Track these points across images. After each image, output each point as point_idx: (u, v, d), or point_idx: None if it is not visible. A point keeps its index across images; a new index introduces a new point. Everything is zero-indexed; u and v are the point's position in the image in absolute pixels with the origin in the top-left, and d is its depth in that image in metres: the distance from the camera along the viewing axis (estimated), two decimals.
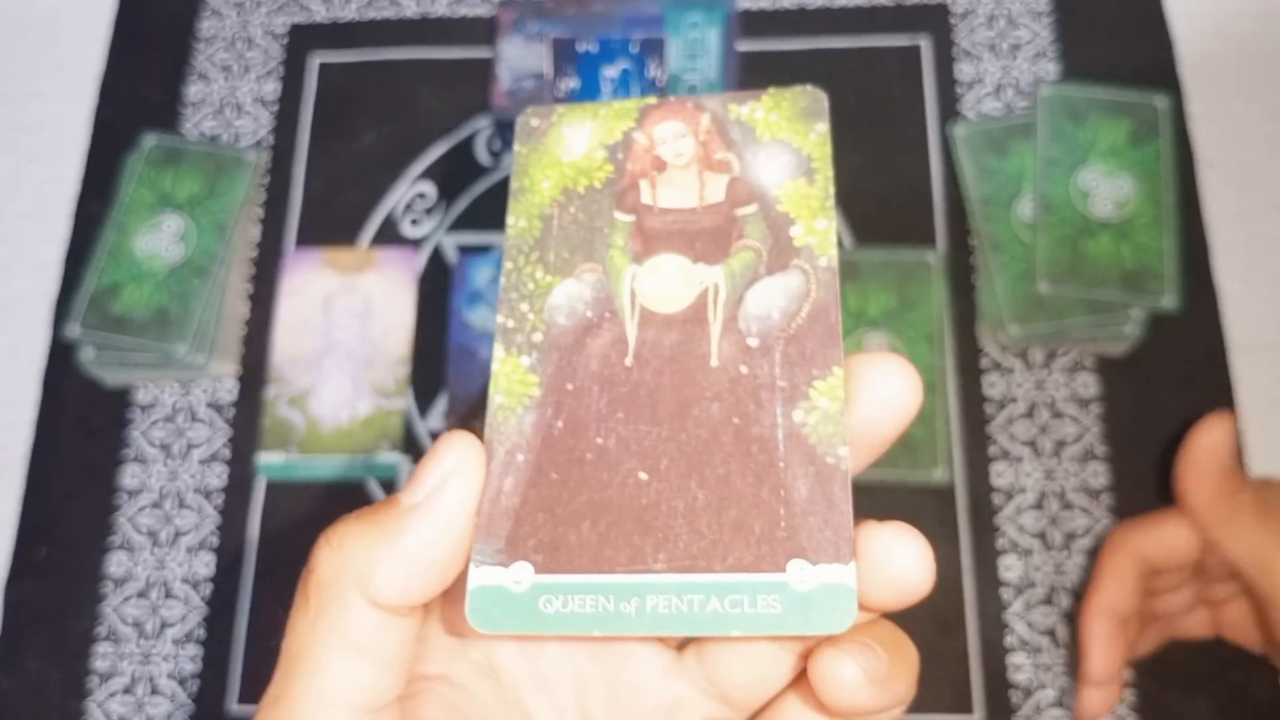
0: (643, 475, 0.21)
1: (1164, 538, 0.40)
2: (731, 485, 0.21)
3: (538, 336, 0.23)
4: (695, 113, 0.25)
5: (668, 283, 0.23)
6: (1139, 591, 0.40)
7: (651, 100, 0.25)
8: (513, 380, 0.22)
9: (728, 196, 0.24)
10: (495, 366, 0.23)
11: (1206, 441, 0.39)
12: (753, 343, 0.22)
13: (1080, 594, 0.44)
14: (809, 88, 0.24)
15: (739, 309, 0.22)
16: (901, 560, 0.19)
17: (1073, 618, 0.45)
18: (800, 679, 0.22)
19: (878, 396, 0.21)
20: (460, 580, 0.21)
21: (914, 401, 0.21)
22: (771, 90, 0.24)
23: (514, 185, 0.25)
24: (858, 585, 0.19)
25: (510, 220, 0.24)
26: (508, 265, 0.24)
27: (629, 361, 0.22)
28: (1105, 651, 0.40)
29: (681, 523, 0.20)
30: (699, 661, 0.23)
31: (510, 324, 0.23)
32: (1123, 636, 0.40)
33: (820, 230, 0.23)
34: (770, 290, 0.22)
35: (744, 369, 0.22)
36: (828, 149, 0.24)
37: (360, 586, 0.20)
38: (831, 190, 0.23)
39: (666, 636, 0.24)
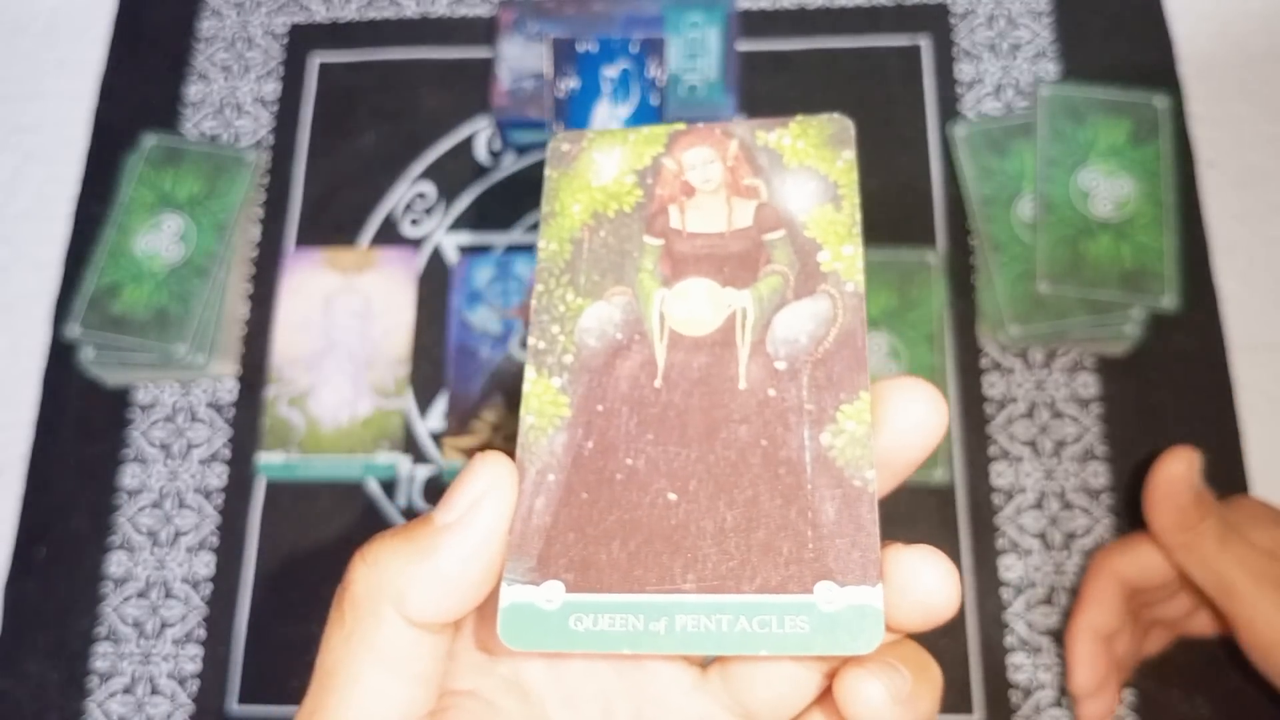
0: (672, 496, 0.21)
1: (1141, 560, 0.42)
2: (760, 507, 0.21)
3: (568, 358, 0.23)
4: (723, 139, 0.25)
5: (696, 306, 0.23)
6: (1121, 610, 0.42)
7: (680, 126, 0.25)
8: (544, 401, 0.23)
9: (755, 222, 0.24)
10: (527, 388, 0.23)
11: (1167, 475, 0.40)
12: (780, 366, 0.22)
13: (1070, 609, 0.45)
14: (836, 115, 0.25)
15: (767, 333, 0.23)
16: (928, 583, 0.20)
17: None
18: (825, 698, 0.22)
19: (904, 421, 0.21)
20: (491, 597, 0.21)
21: (940, 426, 0.21)
22: (799, 117, 0.25)
23: (545, 209, 0.25)
24: (884, 607, 0.20)
25: (541, 243, 0.25)
26: (539, 288, 0.24)
27: (658, 383, 0.23)
28: (1088, 667, 0.42)
29: (710, 543, 0.21)
30: (724, 680, 0.23)
31: (541, 345, 0.23)
32: (1105, 652, 0.42)
33: (847, 256, 0.23)
34: (798, 315, 0.23)
35: (772, 392, 0.22)
36: (854, 176, 0.24)
37: (395, 603, 0.21)
38: (859, 217, 0.24)
39: (692, 655, 0.24)
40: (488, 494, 0.21)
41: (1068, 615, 0.45)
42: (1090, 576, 0.43)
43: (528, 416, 0.23)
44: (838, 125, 0.25)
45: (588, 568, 0.21)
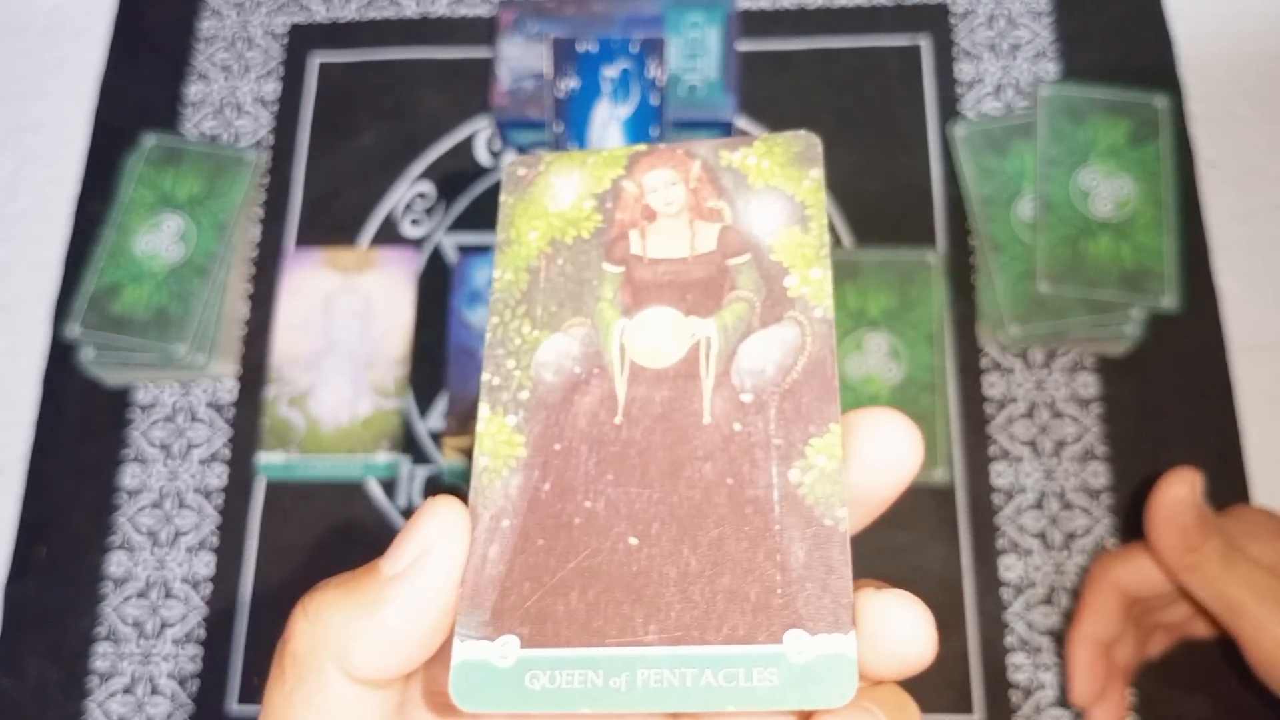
0: (633, 540, 0.20)
1: (1141, 569, 0.41)
2: (725, 550, 0.20)
3: (524, 394, 0.22)
4: (686, 160, 0.24)
5: (658, 336, 0.22)
6: (1120, 619, 0.42)
7: (641, 148, 0.24)
8: (498, 441, 0.22)
9: (719, 246, 0.23)
10: (480, 427, 0.22)
11: (1169, 497, 0.40)
12: (746, 398, 0.21)
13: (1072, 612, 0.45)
14: (803, 132, 0.24)
15: (732, 363, 0.21)
16: (902, 631, 0.19)
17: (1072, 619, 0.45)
18: None
19: (877, 455, 0.20)
20: (445, 645, 0.20)
21: (915, 460, 0.20)
22: (764, 136, 0.24)
23: (500, 237, 0.24)
24: (856, 656, 0.19)
25: (496, 273, 0.23)
26: (493, 320, 0.23)
27: (618, 420, 0.21)
28: (1088, 676, 0.42)
29: (673, 591, 0.20)
30: None
31: (496, 381, 0.22)
32: (1105, 661, 0.42)
33: (815, 280, 0.22)
34: (764, 343, 0.21)
35: (738, 426, 0.21)
36: (822, 195, 0.23)
37: (337, 660, 0.19)
38: (826, 238, 0.22)
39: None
40: (437, 543, 0.20)
41: (1068, 623, 0.45)
42: (1090, 585, 0.43)
43: (481, 458, 0.21)
44: (805, 143, 0.23)
45: (544, 620, 0.20)
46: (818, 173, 0.23)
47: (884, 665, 0.19)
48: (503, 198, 0.24)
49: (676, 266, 0.23)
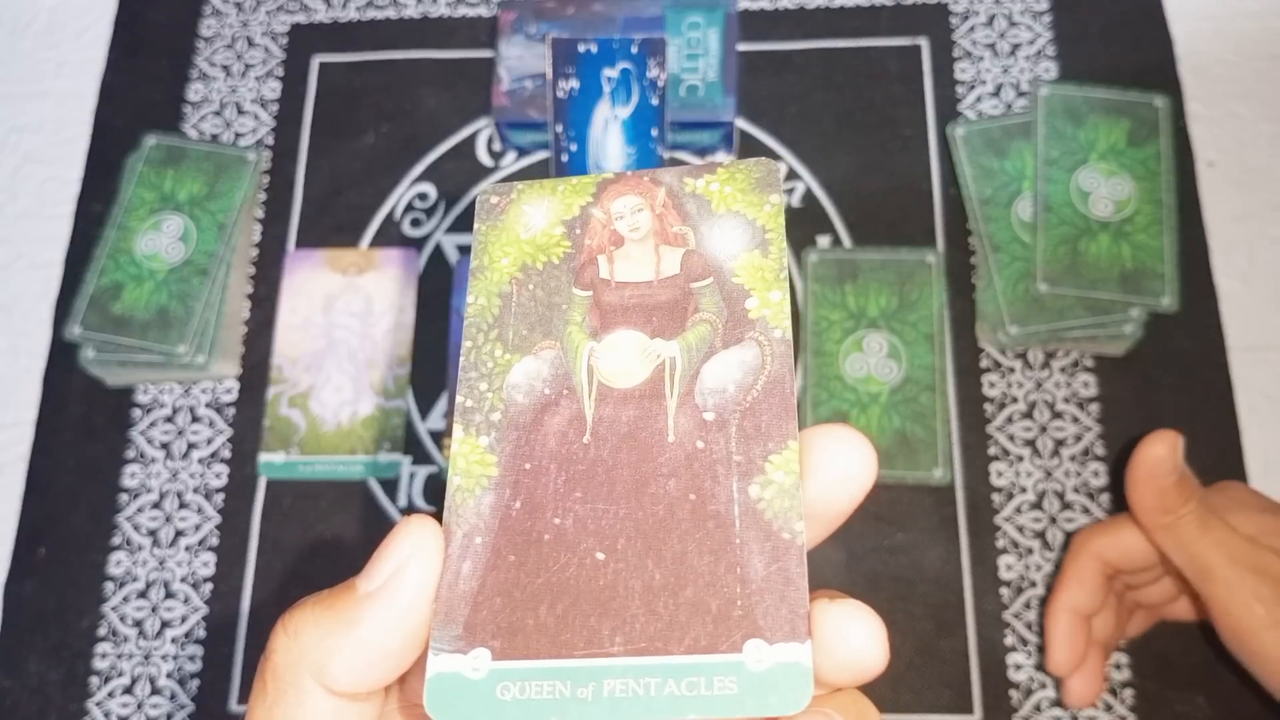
0: (600, 555, 0.21)
1: (1122, 541, 0.42)
2: (688, 563, 0.21)
3: (496, 416, 0.23)
4: (651, 186, 0.25)
5: (624, 358, 0.23)
6: (1101, 590, 0.42)
7: (609, 175, 0.25)
8: (471, 461, 0.22)
9: (683, 270, 0.24)
10: (454, 448, 0.23)
11: (1149, 456, 0.40)
12: (709, 417, 0.22)
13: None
14: (763, 159, 0.25)
15: (695, 383, 0.22)
16: (855, 641, 0.19)
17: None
18: None
19: (833, 471, 0.21)
20: (421, 659, 0.21)
21: (869, 475, 0.21)
22: (727, 162, 0.25)
23: (473, 263, 0.25)
24: (812, 664, 0.19)
25: (470, 299, 0.24)
26: (467, 344, 0.24)
27: (586, 439, 0.22)
28: (1065, 646, 0.42)
29: (638, 603, 0.20)
30: None
31: (469, 403, 0.23)
32: (1084, 631, 0.42)
33: (775, 302, 0.23)
34: (725, 364, 0.22)
35: (700, 444, 0.22)
36: (782, 220, 0.24)
37: (316, 675, 0.20)
38: (785, 261, 0.23)
39: None
40: (411, 561, 0.21)
41: (1047, 595, 0.45)
42: (1071, 556, 0.43)
43: (455, 477, 0.22)
44: (765, 169, 0.24)
45: (515, 633, 0.20)
46: (778, 198, 0.24)
47: (838, 673, 0.20)
48: (476, 225, 0.25)
49: (642, 290, 0.24)
